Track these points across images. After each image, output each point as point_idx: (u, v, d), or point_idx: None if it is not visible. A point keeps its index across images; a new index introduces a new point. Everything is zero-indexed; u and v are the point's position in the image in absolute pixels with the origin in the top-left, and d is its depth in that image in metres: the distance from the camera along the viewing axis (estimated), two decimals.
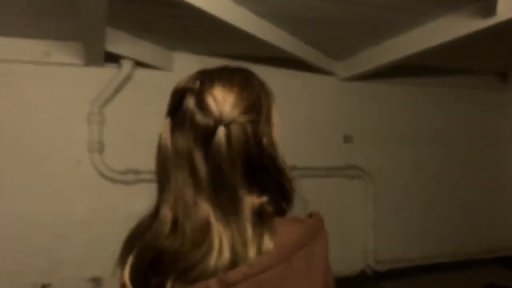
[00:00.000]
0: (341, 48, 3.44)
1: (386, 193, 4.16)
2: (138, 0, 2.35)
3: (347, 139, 4.08)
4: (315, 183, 3.75)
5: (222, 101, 0.68)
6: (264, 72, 0.80)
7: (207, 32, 2.90)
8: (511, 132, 4.73)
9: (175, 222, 0.67)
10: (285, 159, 0.74)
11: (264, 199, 0.70)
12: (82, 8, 2.07)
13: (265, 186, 0.71)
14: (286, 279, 0.66)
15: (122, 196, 3.30)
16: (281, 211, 0.74)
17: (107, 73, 3.25)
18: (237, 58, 3.12)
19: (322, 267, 0.73)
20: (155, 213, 0.71)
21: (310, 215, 0.76)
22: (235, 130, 0.68)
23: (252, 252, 0.65)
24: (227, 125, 0.67)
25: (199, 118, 0.68)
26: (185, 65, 3.42)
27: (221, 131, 0.67)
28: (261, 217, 0.68)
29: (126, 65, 3.23)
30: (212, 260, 0.63)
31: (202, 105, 0.68)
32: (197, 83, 0.70)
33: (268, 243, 0.66)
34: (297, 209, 0.76)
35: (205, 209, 0.66)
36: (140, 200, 3.18)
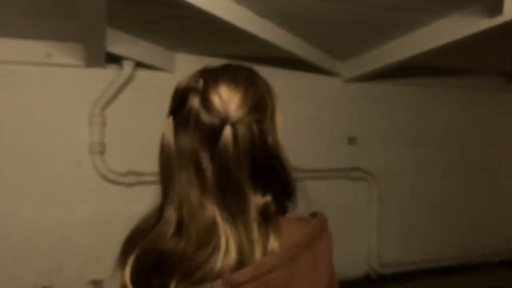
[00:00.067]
0: (344, 48, 3.43)
1: (390, 195, 4.15)
2: (138, 0, 2.35)
3: (351, 140, 4.07)
4: (318, 185, 3.74)
5: (228, 100, 0.68)
6: (266, 73, 0.80)
7: (209, 33, 2.90)
8: None
9: (179, 223, 0.66)
10: (289, 159, 0.74)
11: (268, 198, 0.70)
12: (81, 8, 2.07)
13: (269, 185, 0.71)
14: (291, 279, 0.66)
15: (123, 198, 3.30)
16: (283, 210, 0.75)
17: (108, 74, 3.26)
18: (239, 58, 3.12)
19: (326, 267, 0.73)
20: (158, 214, 0.70)
21: (314, 215, 0.76)
22: (242, 129, 0.67)
23: (258, 252, 0.65)
24: (234, 125, 0.67)
25: (205, 117, 0.67)
26: (187, 66, 3.42)
27: (227, 131, 0.66)
28: (266, 217, 0.69)
29: (127, 66, 3.23)
30: (218, 261, 0.63)
31: (207, 104, 0.68)
32: (201, 82, 0.70)
33: (273, 243, 0.66)
34: (301, 209, 0.76)
35: (211, 209, 0.66)
36: (141, 202, 3.16)
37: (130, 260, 0.68)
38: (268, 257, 0.65)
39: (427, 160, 4.34)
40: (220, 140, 0.66)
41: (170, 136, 0.69)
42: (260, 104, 0.72)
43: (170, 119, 0.70)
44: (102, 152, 3.25)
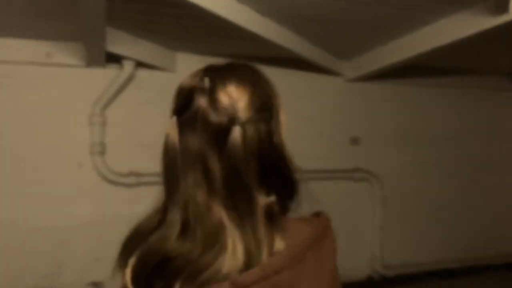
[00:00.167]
0: (347, 47, 3.43)
1: (393, 197, 4.14)
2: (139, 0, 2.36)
3: (354, 141, 4.07)
4: (321, 186, 3.74)
5: (237, 100, 0.68)
6: (267, 72, 0.80)
7: (210, 32, 2.91)
8: None
9: (184, 225, 0.66)
10: (293, 159, 0.74)
11: (273, 198, 0.70)
12: (81, 7, 2.08)
13: (273, 185, 0.71)
14: (297, 279, 0.66)
15: (123, 199, 3.31)
16: (285, 210, 0.75)
17: (108, 74, 3.26)
18: (240, 58, 3.12)
19: (331, 267, 0.73)
20: (160, 215, 0.70)
21: (317, 215, 0.77)
22: (250, 129, 0.67)
23: (264, 253, 0.64)
24: (243, 125, 0.67)
25: (213, 117, 0.67)
26: (188, 66, 3.42)
27: (236, 131, 0.66)
28: (271, 217, 0.68)
29: (128, 66, 3.23)
30: (225, 263, 0.62)
31: (215, 104, 0.67)
32: (207, 81, 0.69)
33: (279, 243, 0.66)
34: (304, 209, 0.76)
35: (218, 210, 0.66)
36: (142, 203, 3.17)
37: (131, 261, 0.68)
38: (275, 257, 0.65)
39: (430, 160, 4.33)
40: (229, 140, 0.66)
41: (175, 137, 0.69)
42: (267, 103, 0.72)
43: (174, 119, 0.70)
44: (102, 152, 3.26)
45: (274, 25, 2.76)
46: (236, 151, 0.66)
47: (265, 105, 0.71)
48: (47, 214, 3.18)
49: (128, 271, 0.67)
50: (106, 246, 2.71)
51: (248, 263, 0.63)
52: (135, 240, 0.70)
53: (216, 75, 0.70)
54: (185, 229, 0.66)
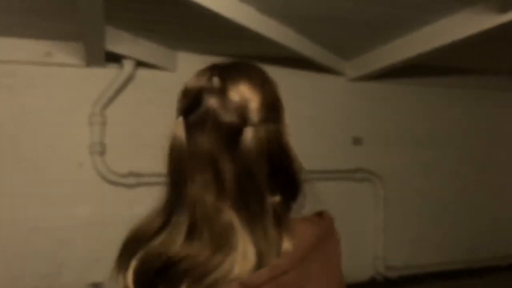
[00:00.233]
0: (349, 46, 3.43)
1: (396, 197, 4.13)
2: None
3: (356, 141, 4.06)
4: (322, 187, 3.72)
5: (249, 100, 0.67)
6: (269, 72, 0.80)
7: (211, 31, 2.91)
8: None
9: (192, 227, 0.65)
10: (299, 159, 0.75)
11: (278, 198, 0.70)
12: (79, 6, 2.08)
13: (278, 185, 0.71)
14: (305, 280, 0.66)
15: (123, 199, 3.31)
16: (288, 210, 0.75)
17: (108, 74, 3.27)
18: (241, 57, 3.13)
19: (336, 268, 0.74)
20: (163, 217, 0.69)
21: (320, 215, 0.77)
22: (261, 130, 0.67)
23: (273, 254, 0.64)
24: (255, 125, 0.66)
25: (224, 117, 0.66)
26: (189, 65, 3.43)
27: (249, 132, 0.65)
28: (279, 218, 0.69)
29: (128, 65, 3.24)
30: (236, 265, 0.62)
31: (227, 104, 0.67)
32: (217, 81, 0.68)
33: (287, 244, 0.67)
34: (307, 209, 0.76)
35: (228, 212, 0.65)
36: (142, 204, 3.18)
37: (133, 264, 0.67)
38: (283, 258, 0.65)
39: (433, 161, 4.32)
40: (241, 141, 0.65)
41: (182, 138, 0.67)
42: (275, 103, 0.72)
43: (181, 120, 0.68)
44: (102, 152, 3.26)
45: (275, 24, 2.76)
46: (249, 152, 0.65)
47: (274, 105, 0.71)
48: (47, 214, 3.18)
49: (130, 275, 0.67)
50: (106, 246, 2.71)
51: (259, 264, 0.63)
52: (135, 243, 0.70)
53: (226, 75, 0.70)
54: (191, 232, 0.65)
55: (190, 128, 0.67)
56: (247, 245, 0.63)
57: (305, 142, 3.80)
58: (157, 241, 0.66)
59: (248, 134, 0.65)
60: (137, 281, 0.66)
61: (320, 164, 3.80)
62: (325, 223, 0.75)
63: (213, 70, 0.71)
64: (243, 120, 0.66)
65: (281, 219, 0.68)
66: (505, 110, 4.66)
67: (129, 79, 3.32)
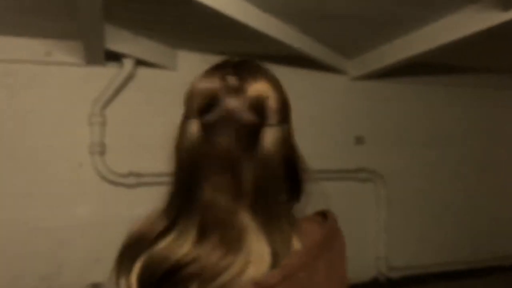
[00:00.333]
0: (351, 45, 3.42)
1: (399, 197, 4.13)
2: None
3: (359, 140, 4.06)
4: (324, 187, 3.73)
5: (268, 98, 0.67)
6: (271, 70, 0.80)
7: (212, 29, 2.90)
8: None
9: (203, 230, 0.64)
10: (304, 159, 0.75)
11: (285, 197, 0.70)
12: (78, 4, 2.08)
13: (287, 185, 0.71)
14: (314, 279, 0.67)
15: (123, 200, 3.31)
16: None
17: (108, 73, 3.27)
18: (243, 55, 3.12)
19: (341, 268, 0.74)
20: (169, 219, 0.68)
21: (323, 214, 0.77)
22: (279, 129, 0.67)
23: (287, 254, 0.65)
24: (273, 124, 0.66)
25: (244, 117, 0.65)
26: (189, 64, 3.43)
27: (268, 131, 0.65)
28: (290, 218, 0.69)
29: (128, 64, 3.23)
30: (251, 267, 0.61)
31: (246, 103, 0.66)
32: (233, 80, 0.67)
33: (296, 243, 0.67)
34: (309, 209, 0.76)
35: (244, 214, 0.65)
36: (142, 204, 3.19)
37: (136, 268, 0.66)
38: (294, 258, 0.65)
39: (436, 161, 4.32)
40: (261, 140, 0.65)
41: (197, 139, 0.66)
42: (287, 101, 0.72)
43: (195, 120, 0.66)
44: (102, 152, 3.27)
45: (276, 22, 2.76)
46: (268, 152, 0.65)
47: (287, 104, 0.71)
48: (47, 214, 3.18)
49: (133, 279, 0.66)
50: (106, 247, 2.71)
51: (274, 265, 0.63)
52: (136, 246, 0.68)
53: (240, 73, 0.68)
54: (202, 234, 0.64)
55: (206, 128, 0.66)
56: (263, 246, 0.63)
57: (306, 142, 3.77)
58: (162, 244, 0.65)
59: (268, 134, 0.65)
60: (141, 285, 0.65)
61: (322, 163, 3.80)
62: (329, 223, 0.75)
63: (224, 68, 0.70)
64: (262, 119, 0.66)
65: (290, 219, 0.69)
66: (508, 110, 4.65)
67: (129, 78, 3.32)
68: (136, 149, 3.34)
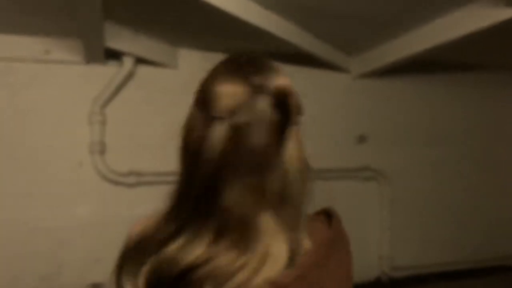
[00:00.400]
0: (354, 42, 3.41)
1: (402, 196, 4.13)
2: None
3: (361, 139, 4.06)
4: (326, 186, 3.73)
5: (290, 96, 0.67)
6: None
7: (213, 27, 2.90)
8: None
9: (219, 233, 0.63)
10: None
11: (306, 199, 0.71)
12: (78, 2, 2.08)
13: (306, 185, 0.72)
14: (325, 278, 0.68)
15: (124, 199, 3.32)
16: None
17: (108, 71, 3.27)
18: (244, 53, 3.11)
19: (347, 267, 0.75)
20: (178, 222, 0.66)
21: (325, 213, 0.78)
22: (298, 128, 0.68)
23: (301, 253, 0.65)
24: (296, 123, 0.67)
25: (273, 117, 0.65)
26: (190, 62, 3.43)
27: (293, 131, 0.66)
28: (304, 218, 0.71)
29: (128, 62, 3.23)
30: (266, 267, 0.61)
31: (273, 102, 0.66)
32: (258, 79, 0.66)
33: (307, 243, 0.68)
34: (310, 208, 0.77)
35: (265, 216, 0.64)
36: (142, 203, 3.20)
37: (144, 271, 0.65)
38: (306, 257, 0.65)
39: (440, 159, 4.31)
40: (288, 139, 0.65)
41: (224, 141, 0.64)
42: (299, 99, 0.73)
43: (224, 122, 0.64)
44: (102, 151, 3.27)
45: (278, 19, 2.75)
46: (295, 151, 0.66)
47: (300, 101, 0.72)
48: (47, 214, 3.19)
49: (141, 282, 0.65)
50: (106, 247, 2.72)
51: (290, 264, 0.63)
52: (142, 248, 0.67)
53: (262, 71, 0.68)
54: (218, 237, 0.63)
55: (235, 130, 0.64)
56: (281, 245, 0.63)
57: (308, 141, 3.76)
58: (172, 247, 0.64)
59: (292, 133, 0.66)
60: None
61: (324, 163, 3.80)
62: (335, 223, 0.76)
63: (243, 67, 0.69)
64: (287, 117, 0.66)
65: (305, 219, 0.70)
66: None
67: (129, 76, 3.32)
68: (136, 148, 3.34)
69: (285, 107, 0.66)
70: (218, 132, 0.64)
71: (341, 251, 0.74)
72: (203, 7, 2.27)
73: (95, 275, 3.22)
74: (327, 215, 0.77)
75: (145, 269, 0.65)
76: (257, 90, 0.65)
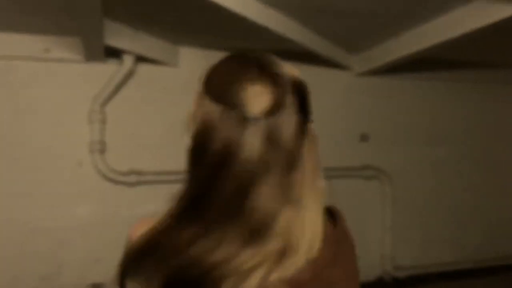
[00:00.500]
0: (356, 39, 3.40)
1: (404, 195, 4.12)
2: None
3: (363, 137, 4.05)
4: (329, 185, 3.73)
5: (306, 93, 0.70)
6: None
7: (214, 25, 2.90)
8: None
9: (246, 233, 0.63)
10: None
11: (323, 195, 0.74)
12: (77, 0, 2.08)
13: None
14: (335, 275, 0.69)
15: (124, 198, 3.32)
16: None
17: (108, 69, 3.27)
18: (244, 51, 3.11)
19: (354, 263, 0.78)
20: (197, 226, 0.64)
21: (329, 211, 0.78)
22: (312, 124, 0.70)
23: (316, 250, 0.66)
24: (311, 120, 0.69)
25: (299, 116, 0.67)
26: (191, 60, 3.43)
27: (311, 127, 0.69)
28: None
29: (128, 60, 3.23)
30: (286, 264, 0.62)
31: (297, 99, 0.67)
32: (283, 79, 0.67)
33: (320, 240, 0.68)
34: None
35: (288, 213, 0.64)
36: (143, 203, 3.20)
37: (160, 275, 0.62)
38: (319, 254, 0.66)
39: (443, 158, 4.30)
40: (309, 136, 0.68)
41: (260, 143, 0.63)
42: None
43: (260, 122, 0.63)
44: (102, 150, 3.27)
45: (278, 16, 2.74)
46: (312, 146, 0.68)
47: None
48: (47, 214, 3.20)
49: (156, 287, 0.63)
50: (106, 247, 2.73)
51: (307, 261, 0.64)
52: (155, 252, 0.65)
53: (281, 69, 0.69)
54: (247, 236, 0.62)
55: (269, 131, 0.64)
56: (301, 242, 0.64)
57: None
58: (197, 250, 0.62)
59: (312, 129, 0.69)
60: None
61: (326, 161, 3.77)
62: (341, 221, 0.77)
63: (266, 67, 0.68)
64: (306, 115, 0.68)
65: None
66: None
67: (129, 75, 3.32)
68: (137, 146, 3.34)
69: (305, 104, 0.68)
70: (254, 133, 0.63)
71: (348, 249, 0.76)
72: (203, 5, 2.27)
73: (95, 275, 3.22)
74: (330, 213, 0.78)
75: (163, 273, 0.62)
76: (285, 88, 0.66)
